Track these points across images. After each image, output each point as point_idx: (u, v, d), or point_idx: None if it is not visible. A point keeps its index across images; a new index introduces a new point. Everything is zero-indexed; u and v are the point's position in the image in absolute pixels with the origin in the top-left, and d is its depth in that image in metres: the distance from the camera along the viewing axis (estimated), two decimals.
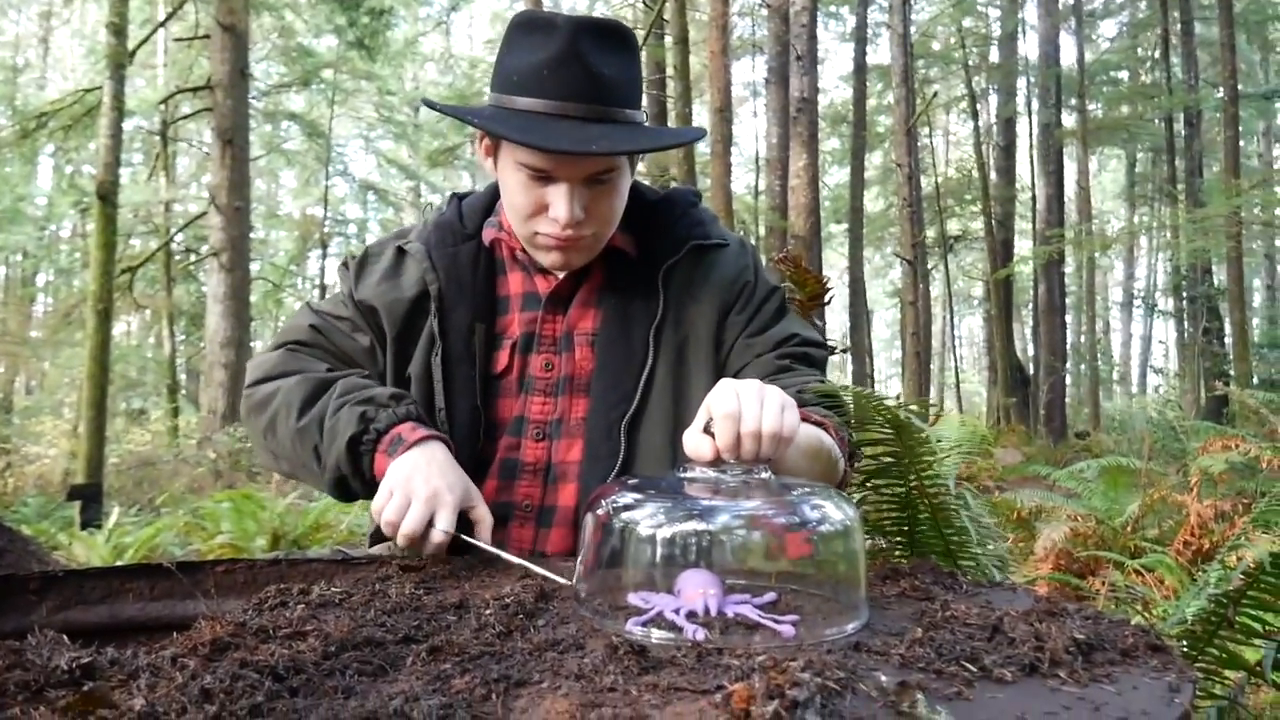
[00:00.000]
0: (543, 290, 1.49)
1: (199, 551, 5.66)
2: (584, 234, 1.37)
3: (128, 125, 11.98)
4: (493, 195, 1.56)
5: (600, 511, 0.97)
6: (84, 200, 15.75)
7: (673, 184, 6.66)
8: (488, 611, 0.93)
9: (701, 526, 0.93)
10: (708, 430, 1.06)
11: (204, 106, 13.00)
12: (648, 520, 0.94)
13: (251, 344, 12.98)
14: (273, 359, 1.49)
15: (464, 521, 1.28)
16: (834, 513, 0.94)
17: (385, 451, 1.31)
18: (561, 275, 1.47)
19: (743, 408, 1.04)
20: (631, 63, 1.36)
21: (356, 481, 1.35)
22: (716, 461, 1.05)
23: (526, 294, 1.50)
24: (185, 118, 15.41)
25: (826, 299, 2.26)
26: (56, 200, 18.93)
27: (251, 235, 13.69)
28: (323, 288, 19.53)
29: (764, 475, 1.03)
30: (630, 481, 1.03)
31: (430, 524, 1.24)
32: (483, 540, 1.26)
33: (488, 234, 1.52)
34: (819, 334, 1.57)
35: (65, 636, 0.80)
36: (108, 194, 9.07)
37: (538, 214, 1.36)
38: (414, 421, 1.34)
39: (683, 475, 1.05)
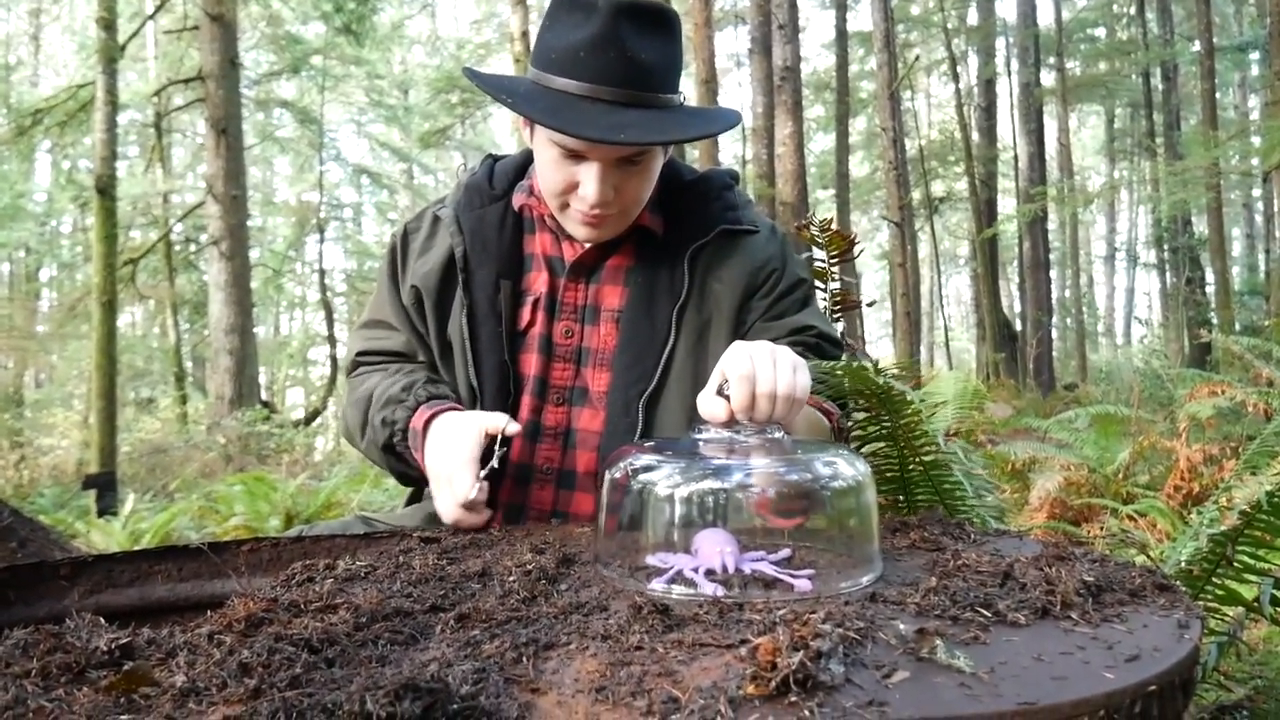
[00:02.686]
0: (568, 257, 1.51)
1: (214, 534, 5.65)
2: (613, 211, 1.40)
3: (122, 119, 11.85)
4: (526, 158, 1.58)
5: (617, 474, 0.98)
6: (83, 194, 15.64)
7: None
8: (511, 579, 0.94)
9: (717, 485, 0.95)
10: (722, 392, 1.07)
11: (196, 97, 12.91)
12: (665, 481, 0.95)
13: (255, 329, 12.97)
14: (348, 386, 1.62)
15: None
16: (846, 469, 0.96)
17: (417, 449, 1.39)
18: (588, 245, 1.49)
19: (757, 369, 1.06)
20: (671, 45, 1.36)
21: (416, 473, 1.45)
22: (730, 423, 1.06)
23: (551, 257, 1.52)
24: (178, 109, 15.27)
25: (856, 252, 2.26)
26: (56, 195, 18.78)
27: (249, 223, 13.61)
28: (321, 273, 19.45)
29: (777, 435, 1.04)
30: (646, 444, 1.05)
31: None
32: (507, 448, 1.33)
33: (517, 199, 1.54)
34: (837, 332, 1.59)
35: (101, 619, 0.81)
36: (106, 187, 9.03)
37: (569, 191, 1.38)
38: (422, 406, 1.40)
39: (697, 436, 1.06)
